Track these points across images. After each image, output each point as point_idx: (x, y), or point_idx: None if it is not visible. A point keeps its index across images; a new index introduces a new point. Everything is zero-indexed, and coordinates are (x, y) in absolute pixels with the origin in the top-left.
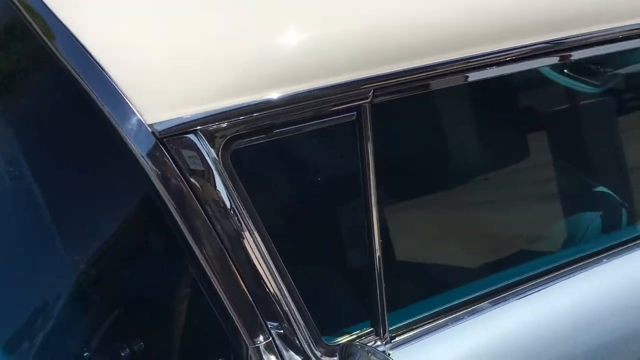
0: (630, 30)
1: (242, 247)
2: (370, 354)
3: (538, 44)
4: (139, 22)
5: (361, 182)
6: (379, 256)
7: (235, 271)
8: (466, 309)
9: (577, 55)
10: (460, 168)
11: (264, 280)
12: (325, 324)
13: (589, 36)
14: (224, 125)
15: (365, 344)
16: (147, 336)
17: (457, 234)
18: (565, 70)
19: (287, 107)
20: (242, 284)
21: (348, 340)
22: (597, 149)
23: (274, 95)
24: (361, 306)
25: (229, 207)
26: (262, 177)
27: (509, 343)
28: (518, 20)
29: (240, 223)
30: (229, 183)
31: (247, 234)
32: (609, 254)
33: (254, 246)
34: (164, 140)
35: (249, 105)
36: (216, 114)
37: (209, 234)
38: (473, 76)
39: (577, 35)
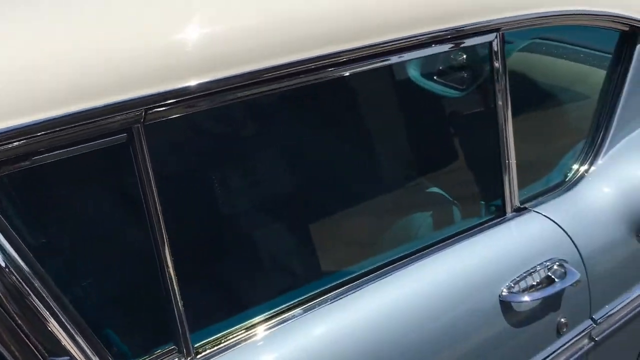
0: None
1: (15, 293)
2: None
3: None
4: None
5: (144, 204)
6: (172, 276)
7: (10, 320)
8: (276, 318)
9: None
10: (258, 179)
11: (42, 321)
12: (132, 346)
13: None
14: None
15: None
16: None
17: (259, 247)
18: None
19: (45, 132)
20: (19, 330)
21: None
22: (434, 150)
23: (28, 120)
24: (164, 326)
25: None
26: (31, 206)
27: (320, 348)
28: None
29: (9, 267)
30: None
31: (18, 275)
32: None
33: (27, 289)
34: None
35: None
36: None
37: None
38: (249, 92)
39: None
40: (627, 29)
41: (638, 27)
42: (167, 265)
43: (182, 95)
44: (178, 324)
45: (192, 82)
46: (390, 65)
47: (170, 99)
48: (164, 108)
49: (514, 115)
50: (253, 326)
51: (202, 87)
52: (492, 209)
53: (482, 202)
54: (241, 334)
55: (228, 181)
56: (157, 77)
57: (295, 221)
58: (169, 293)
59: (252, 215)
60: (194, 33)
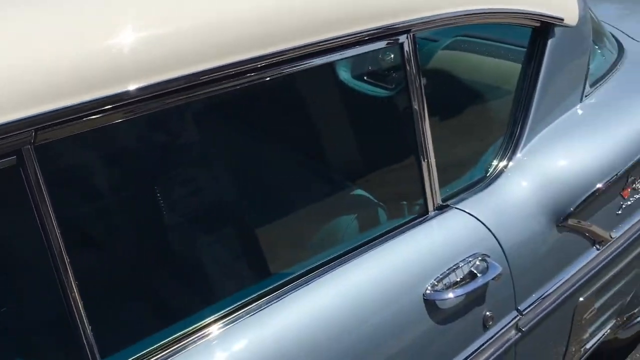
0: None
1: None
2: None
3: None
4: None
5: (41, 229)
6: (78, 301)
7: None
8: (192, 336)
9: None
10: (168, 189)
11: None
12: None
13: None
14: None
15: None
16: None
17: (169, 264)
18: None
19: None
20: None
21: None
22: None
23: None
24: (74, 353)
25: None
26: None
27: None
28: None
29: None
30: None
31: None
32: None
33: None
34: None
35: None
36: None
37: None
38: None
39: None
40: (538, 24)
41: (548, 22)
42: (72, 290)
43: (76, 112)
44: (87, 350)
45: (86, 98)
46: (313, 68)
47: (63, 117)
48: (56, 127)
49: (435, 114)
50: (167, 345)
51: (100, 102)
52: (414, 208)
53: (405, 202)
54: (155, 355)
55: (132, 197)
56: (48, 93)
57: (211, 230)
58: (75, 319)
59: (160, 230)
60: (88, 46)
